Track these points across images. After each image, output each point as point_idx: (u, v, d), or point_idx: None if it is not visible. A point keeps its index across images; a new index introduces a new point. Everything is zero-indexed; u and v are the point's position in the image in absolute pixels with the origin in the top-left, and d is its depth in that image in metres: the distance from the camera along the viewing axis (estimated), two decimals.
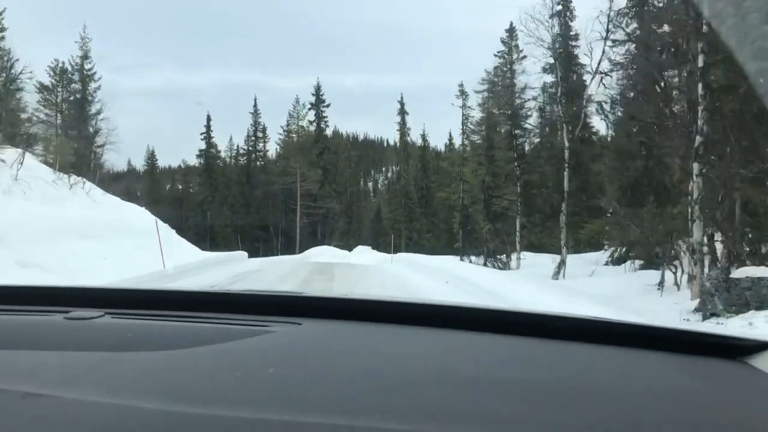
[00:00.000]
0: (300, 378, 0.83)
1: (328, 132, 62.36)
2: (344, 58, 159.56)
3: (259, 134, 64.81)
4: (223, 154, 66.07)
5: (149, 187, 65.27)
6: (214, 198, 61.83)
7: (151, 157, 66.06)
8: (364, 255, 38.40)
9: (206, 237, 62.03)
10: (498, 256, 25.49)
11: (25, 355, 0.87)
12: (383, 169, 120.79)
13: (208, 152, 62.60)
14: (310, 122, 60.99)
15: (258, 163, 65.33)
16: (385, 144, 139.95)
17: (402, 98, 61.39)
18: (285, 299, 1.21)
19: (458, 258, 28.85)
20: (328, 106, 61.44)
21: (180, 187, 69.48)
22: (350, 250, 44.16)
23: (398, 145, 60.40)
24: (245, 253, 24.66)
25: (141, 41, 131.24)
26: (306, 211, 59.48)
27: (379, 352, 0.96)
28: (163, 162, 70.77)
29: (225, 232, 59.99)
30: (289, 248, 60.18)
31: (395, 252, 35.91)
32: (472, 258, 27.34)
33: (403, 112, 60.74)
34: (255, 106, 64.11)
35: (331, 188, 60.19)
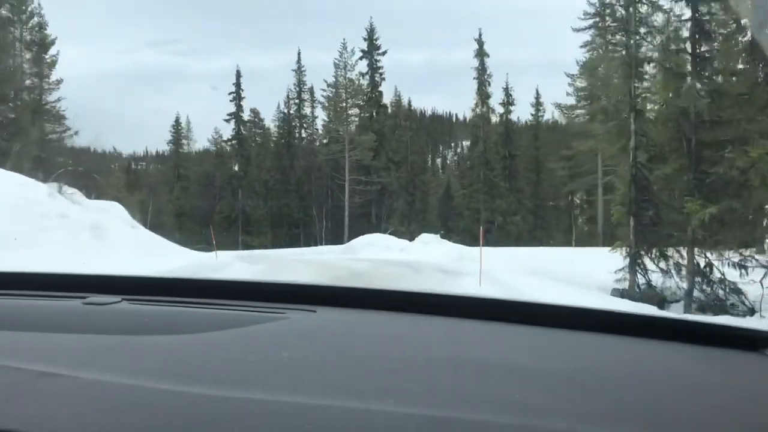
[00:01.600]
0: (314, 362, 0.85)
1: (384, 88, 49.20)
2: (405, 33, 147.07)
3: (304, 96, 52.25)
4: (261, 122, 54.02)
5: (170, 169, 54.48)
6: (246, 173, 50.07)
7: (176, 135, 54.75)
8: (431, 248, 25.22)
9: (237, 222, 50.93)
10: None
11: (43, 337, 0.89)
12: (452, 144, 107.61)
13: (239, 116, 50.69)
14: (362, 74, 47.99)
15: (302, 131, 52.86)
16: (454, 119, 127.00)
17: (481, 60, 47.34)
18: (299, 288, 1.22)
19: (606, 256, 15.04)
20: (384, 53, 48.29)
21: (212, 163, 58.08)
22: (412, 238, 31.16)
23: (476, 105, 46.38)
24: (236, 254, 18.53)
25: (202, 25, 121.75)
26: (356, 188, 46.75)
27: (392, 339, 0.97)
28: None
29: (258, 215, 48.11)
30: (335, 235, 47.87)
31: (475, 241, 22.62)
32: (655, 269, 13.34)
33: (482, 62, 46.65)
34: (299, 60, 51.74)
35: (388, 158, 47.08)
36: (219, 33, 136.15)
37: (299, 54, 52.44)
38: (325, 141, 49.98)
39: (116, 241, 15.10)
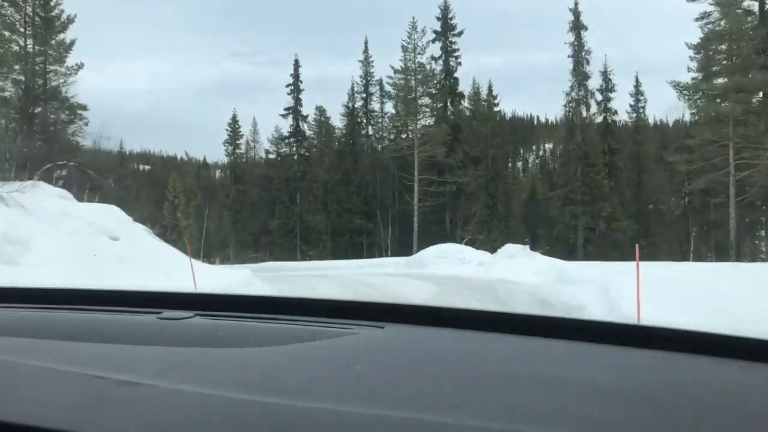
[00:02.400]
0: (386, 376, 0.86)
1: (460, 74, 42.60)
2: (485, 37, 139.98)
3: (372, 88, 46.35)
4: (327, 120, 48.55)
5: (228, 173, 50.05)
6: (305, 175, 44.75)
7: (233, 135, 50.23)
8: (520, 263, 18.62)
9: (295, 230, 45.67)
10: None
11: (122, 349, 0.94)
12: (533, 147, 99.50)
13: (297, 111, 45.50)
14: (434, 58, 41.61)
15: (369, 128, 47.01)
16: (535, 121, 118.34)
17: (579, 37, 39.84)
18: (368, 305, 1.25)
19: None
20: (459, 34, 41.75)
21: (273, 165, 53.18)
22: (493, 249, 24.72)
23: (571, 88, 38.90)
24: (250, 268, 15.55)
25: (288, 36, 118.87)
26: (427, 189, 40.34)
27: (463, 355, 0.98)
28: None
29: (316, 222, 42.57)
30: (402, 244, 41.61)
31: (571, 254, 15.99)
32: None
33: (578, 35, 39.21)
34: (366, 50, 46.04)
35: (464, 154, 40.38)
36: (301, 43, 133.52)
37: (366, 43, 46.86)
38: (391, 136, 43.81)
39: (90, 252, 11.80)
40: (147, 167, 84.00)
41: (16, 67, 25.72)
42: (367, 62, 46.10)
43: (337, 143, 46.58)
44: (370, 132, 46.97)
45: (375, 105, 46.49)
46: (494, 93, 43.83)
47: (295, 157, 45.65)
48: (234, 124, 49.86)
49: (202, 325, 1.09)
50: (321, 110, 48.14)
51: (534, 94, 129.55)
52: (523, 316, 1.13)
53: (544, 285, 14.32)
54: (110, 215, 14.73)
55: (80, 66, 28.06)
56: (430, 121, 42.03)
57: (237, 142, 50.26)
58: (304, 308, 1.22)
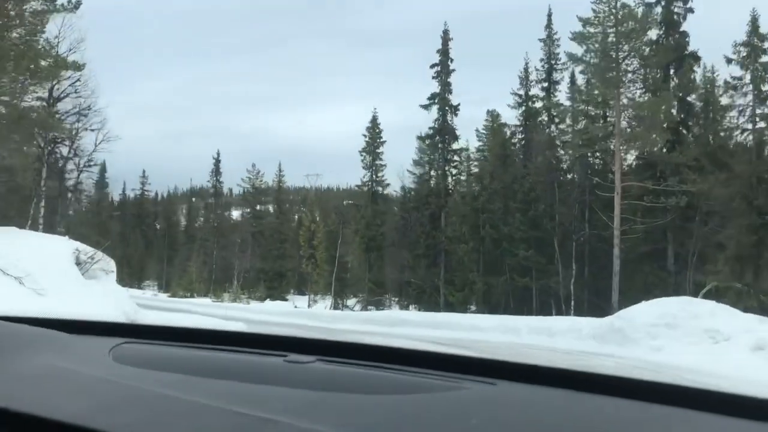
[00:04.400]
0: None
1: (690, 27, 26.84)
2: None
3: (557, 70, 32.48)
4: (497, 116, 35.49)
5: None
6: (453, 189, 31.92)
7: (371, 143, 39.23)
8: None
9: (439, 262, 32.79)
10: None
11: (256, 388, 1.01)
12: None
13: (444, 99, 33.01)
14: (643, 2, 26.45)
15: (552, 124, 32.71)
16: None
17: None
18: (480, 360, 1.26)
19: None
20: None
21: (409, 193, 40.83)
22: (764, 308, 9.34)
23: None
24: None
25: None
26: (637, 203, 25.14)
27: (580, 418, 0.98)
28: None
29: (462, 253, 29.29)
30: (595, 292, 26.60)
31: None
32: None
33: None
34: (549, 24, 32.51)
35: (697, 144, 24.38)
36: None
37: (549, 16, 33.16)
38: (578, 124, 29.14)
39: None
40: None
41: None
42: (550, 39, 32.43)
43: (497, 144, 32.97)
44: (553, 130, 32.69)
45: (560, 96, 32.29)
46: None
47: (439, 163, 33.03)
48: (374, 129, 38.83)
49: (323, 370, 1.15)
50: (494, 116, 35.34)
51: None
52: (653, 383, 1.09)
53: None
54: None
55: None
56: (640, 97, 26.74)
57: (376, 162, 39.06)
58: (417, 359, 1.25)
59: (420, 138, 33.18)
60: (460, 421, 0.90)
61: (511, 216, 28.26)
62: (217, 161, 59.57)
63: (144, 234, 64.82)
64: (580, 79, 30.31)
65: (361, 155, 38.50)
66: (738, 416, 0.92)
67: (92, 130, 26.10)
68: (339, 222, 40.24)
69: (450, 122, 32.72)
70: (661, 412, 0.98)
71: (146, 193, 66.96)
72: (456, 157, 33.53)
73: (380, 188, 38.40)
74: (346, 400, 0.98)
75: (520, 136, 33.78)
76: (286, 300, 45.84)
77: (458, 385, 1.05)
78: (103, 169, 68.50)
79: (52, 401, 0.91)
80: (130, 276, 61.26)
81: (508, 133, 34.15)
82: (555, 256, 27.35)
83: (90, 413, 0.85)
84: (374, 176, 38.28)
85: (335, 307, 37.67)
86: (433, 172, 34.16)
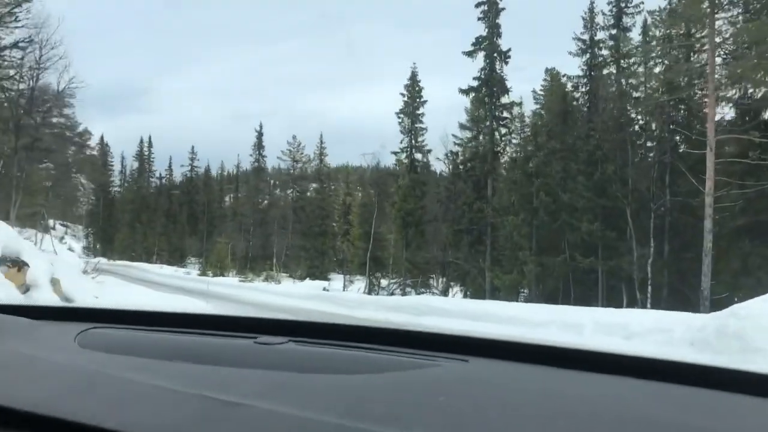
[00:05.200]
0: (471, 408, 0.88)
1: None
2: None
3: (627, 14, 26.85)
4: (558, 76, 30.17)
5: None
6: (503, 149, 26.84)
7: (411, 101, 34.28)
8: None
9: (483, 241, 27.82)
10: None
11: (225, 371, 1.01)
12: None
13: (493, 43, 27.78)
14: None
15: (620, 76, 27.02)
16: None
17: None
18: (453, 338, 1.27)
19: None
20: None
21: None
22: None
23: None
24: None
25: None
26: (733, 168, 19.45)
27: (549, 392, 0.99)
28: None
29: (509, 226, 24.32)
30: (680, 277, 21.25)
31: None
32: None
33: None
34: None
35: None
36: None
37: None
38: (656, 69, 23.49)
39: None
40: None
41: None
42: None
43: (556, 98, 27.54)
44: (623, 84, 26.93)
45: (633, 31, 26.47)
46: None
47: (487, 122, 27.94)
48: (413, 87, 33.95)
49: (295, 351, 1.14)
50: (553, 74, 29.97)
51: None
52: (614, 355, 1.11)
53: None
54: None
55: None
56: (740, 25, 20.89)
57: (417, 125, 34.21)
58: (390, 338, 1.24)
59: (463, 91, 28.04)
60: (430, 397, 0.89)
61: (572, 181, 23.03)
62: (260, 134, 56.37)
63: (191, 211, 62.74)
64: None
65: (398, 117, 33.84)
66: (707, 387, 0.95)
67: (39, 67, 22.66)
68: (375, 194, 35.73)
69: (499, 71, 27.52)
70: (625, 384, 0.99)
71: (196, 169, 64.71)
72: (506, 114, 28.31)
73: (420, 155, 33.72)
74: (317, 380, 0.97)
75: (583, 89, 28.33)
76: (329, 280, 42.29)
77: (431, 363, 1.05)
78: (149, 144, 67.36)
79: (16, 388, 0.89)
80: (171, 253, 59.60)
81: (569, 85, 28.72)
82: (627, 230, 22.02)
83: (53, 399, 0.84)
84: (413, 141, 33.57)
85: (370, 289, 33.46)
86: (479, 135, 29.12)
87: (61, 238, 68.16)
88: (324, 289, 30.85)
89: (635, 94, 25.21)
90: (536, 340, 1.22)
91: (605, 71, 27.47)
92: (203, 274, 41.59)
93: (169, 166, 65.93)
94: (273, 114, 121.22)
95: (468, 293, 28.35)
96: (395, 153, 33.81)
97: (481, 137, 28.62)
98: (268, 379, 0.97)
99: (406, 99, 33.73)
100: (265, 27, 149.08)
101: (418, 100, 33.86)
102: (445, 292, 29.39)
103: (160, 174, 66.45)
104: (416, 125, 33.65)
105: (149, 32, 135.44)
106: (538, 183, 23.42)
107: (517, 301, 24.26)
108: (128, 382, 0.91)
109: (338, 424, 0.76)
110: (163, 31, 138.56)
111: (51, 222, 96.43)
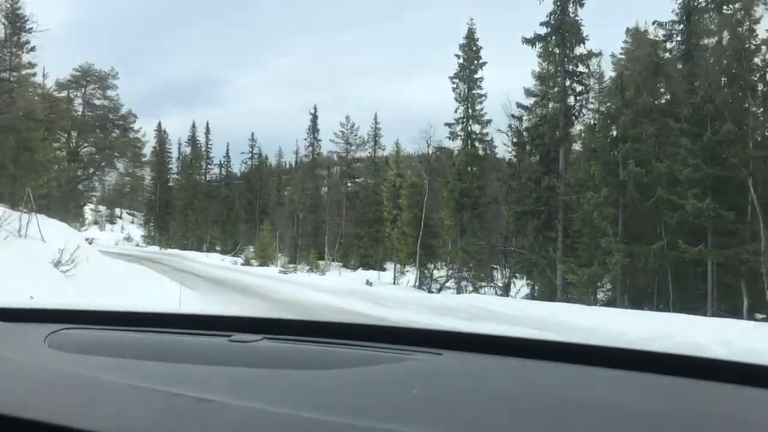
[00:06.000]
0: (443, 401, 0.90)
1: None
2: None
3: None
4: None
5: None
6: (579, 110, 21.60)
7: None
8: None
9: (555, 223, 22.63)
10: None
11: (197, 369, 1.01)
12: None
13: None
14: None
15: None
16: None
17: None
18: (427, 332, 1.28)
19: None
20: None
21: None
22: None
23: None
24: None
25: None
26: None
27: (520, 383, 1.01)
28: None
29: (587, 206, 19.09)
30: None
31: None
32: None
33: None
34: None
35: None
36: None
37: None
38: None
39: None
40: None
41: None
42: None
43: (647, 52, 21.82)
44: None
45: None
46: None
47: (558, 77, 22.60)
48: (469, 47, 28.89)
49: (269, 348, 1.14)
50: (637, 31, 24.35)
51: None
52: (583, 346, 1.12)
53: None
54: None
55: None
56: None
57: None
58: (365, 334, 1.26)
59: (527, 41, 22.72)
60: (404, 390, 0.90)
61: (671, 145, 17.60)
62: (314, 117, 52.58)
63: (248, 198, 60.42)
64: None
65: (453, 83, 28.91)
66: (675, 375, 0.96)
67: None
68: (425, 171, 30.96)
69: (573, 15, 22.15)
70: (595, 373, 1.01)
71: (255, 156, 62.13)
72: (581, 68, 22.88)
73: (478, 126, 28.68)
74: (291, 376, 0.98)
75: (678, 38, 22.53)
76: (383, 270, 38.23)
77: (405, 357, 1.06)
78: (206, 131, 65.31)
79: None
80: (224, 242, 57.34)
81: (661, 34, 22.94)
82: (749, 208, 16.43)
83: (21, 400, 0.83)
84: (470, 110, 28.58)
85: (421, 283, 28.93)
86: (548, 95, 23.82)
87: (121, 227, 66.72)
88: (367, 282, 26.64)
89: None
90: (508, 333, 1.20)
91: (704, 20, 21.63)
92: (246, 263, 38.53)
93: (227, 153, 63.57)
94: (334, 105, 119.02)
95: (535, 290, 23.37)
96: (449, 125, 28.97)
97: (550, 98, 23.33)
98: (241, 376, 0.96)
99: (461, 61, 28.75)
100: (325, 17, 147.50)
101: (476, 62, 28.80)
102: (506, 289, 24.47)
103: (219, 161, 64.35)
104: (473, 91, 28.65)
105: (219, 26, 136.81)
106: (626, 149, 18.06)
107: (595, 302, 19.10)
108: (97, 381, 0.90)
109: (309, 417, 0.76)
110: (229, 24, 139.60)
111: (117, 211, 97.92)
